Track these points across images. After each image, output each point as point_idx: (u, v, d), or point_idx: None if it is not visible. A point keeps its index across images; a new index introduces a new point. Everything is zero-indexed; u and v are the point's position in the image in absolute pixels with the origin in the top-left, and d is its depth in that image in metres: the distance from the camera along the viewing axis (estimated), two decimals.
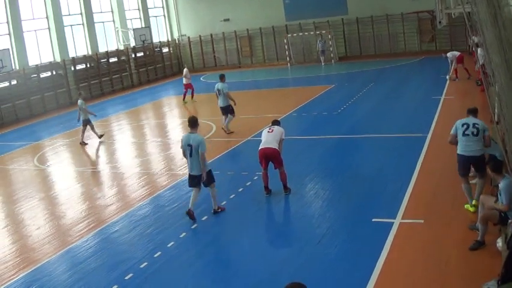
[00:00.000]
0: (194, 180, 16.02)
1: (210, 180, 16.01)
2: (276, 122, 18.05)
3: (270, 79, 46.91)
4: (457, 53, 33.12)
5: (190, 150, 15.62)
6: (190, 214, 15.86)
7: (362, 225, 14.11)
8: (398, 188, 16.14)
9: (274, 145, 16.96)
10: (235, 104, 26.24)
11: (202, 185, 15.98)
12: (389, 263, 11.79)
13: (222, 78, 26.78)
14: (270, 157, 16.95)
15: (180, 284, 12.49)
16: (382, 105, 29.59)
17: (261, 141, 17.37)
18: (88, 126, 29.11)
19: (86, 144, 28.78)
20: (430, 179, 16.79)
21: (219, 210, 16.37)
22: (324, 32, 51.51)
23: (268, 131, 17.30)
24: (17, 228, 17.80)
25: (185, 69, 39.74)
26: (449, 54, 33.41)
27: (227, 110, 26.21)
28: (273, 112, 29.48)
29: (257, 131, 25.21)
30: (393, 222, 13.81)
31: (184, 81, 38.62)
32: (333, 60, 51.10)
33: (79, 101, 29.36)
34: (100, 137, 29.15)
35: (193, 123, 16.02)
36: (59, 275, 13.69)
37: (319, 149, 22.26)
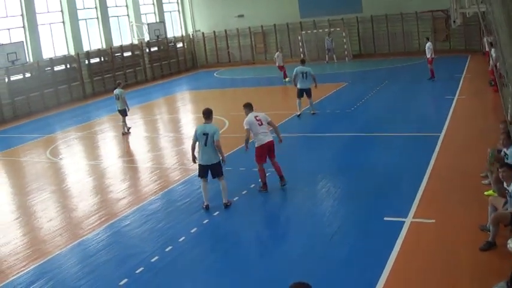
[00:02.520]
0: (204, 170, 16.36)
1: (221, 171, 16.40)
2: (248, 106, 17.90)
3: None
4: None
5: (205, 139, 15.98)
6: (207, 208, 16.38)
7: (373, 224, 14.09)
8: (410, 187, 16.10)
9: (271, 135, 17.61)
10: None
11: (211, 175, 16.39)
12: (400, 262, 11.77)
13: (303, 62, 29.62)
14: (269, 150, 17.40)
15: (190, 278, 12.51)
16: (395, 104, 29.55)
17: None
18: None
19: (129, 133, 29.00)
20: (441, 179, 16.74)
21: (229, 203, 16.55)
22: (338, 29, 51.45)
23: (259, 124, 17.38)
24: (28, 220, 17.87)
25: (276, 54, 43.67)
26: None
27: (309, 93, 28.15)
28: (284, 109, 29.54)
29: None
30: (404, 222, 13.77)
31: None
32: (346, 58, 51.02)
33: (118, 90, 28.99)
34: (126, 132, 28.97)
35: (208, 114, 16.49)
36: (70, 267, 13.73)
37: (332, 147, 22.23)
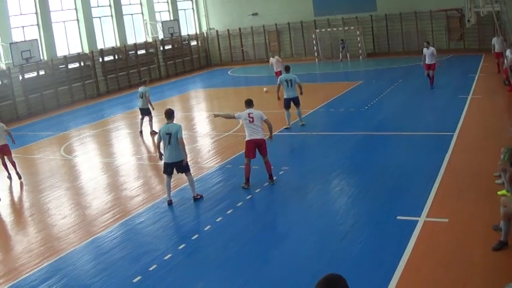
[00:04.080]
0: (169, 167, 17.20)
1: (187, 167, 17.30)
2: (248, 102, 18.61)
3: (297, 74, 46.57)
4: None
5: (169, 138, 16.76)
6: (169, 204, 17.32)
7: (386, 223, 14.07)
8: (424, 187, 16.07)
9: (262, 134, 18.03)
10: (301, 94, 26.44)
11: (176, 171, 17.36)
12: (412, 262, 11.76)
13: (287, 69, 26.95)
14: (259, 147, 17.93)
15: (203, 276, 12.53)
16: (409, 103, 29.51)
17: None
18: (147, 117, 28.64)
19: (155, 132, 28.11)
20: (455, 178, 16.71)
21: (198, 197, 17.40)
22: (352, 28, 51.45)
23: (249, 121, 17.94)
24: (42, 217, 17.97)
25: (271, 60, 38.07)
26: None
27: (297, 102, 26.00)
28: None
29: (284, 125, 25.26)
30: (418, 221, 13.75)
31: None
32: (360, 57, 51.03)
33: (142, 88, 28.73)
34: (154, 132, 28.21)
35: (169, 114, 17.26)
36: (83, 264, 13.81)
37: (346, 145, 22.22)
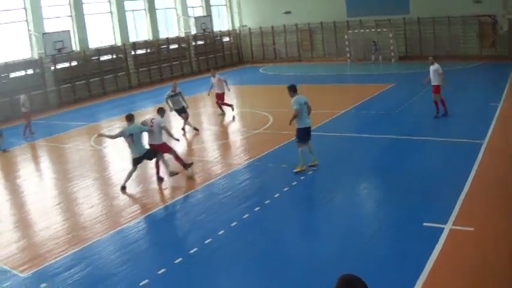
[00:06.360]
0: (138, 160, 19.39)
1: (154, 155, 19.63)
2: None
3: (329, 74, 46.83)
4: None
5: (132, 138, 18.98)
6: (123, 189, 18.98)
7: (412, 228, 13.94)
8: (451, 194, 15.89)
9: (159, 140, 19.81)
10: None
11: (147, 159, 19.74)
12: (436, 269, 11.65)
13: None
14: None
15: (227, 272, 12.62)
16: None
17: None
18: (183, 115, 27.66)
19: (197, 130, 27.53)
20: (483, 187, 16.51)
21: (174, 174, 19.51)
22: (385, 30, 51.20)
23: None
24: (69, 206, 18.19)
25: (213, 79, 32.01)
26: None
27: None
28: (330, 108, 29.43)
29: (314, 125, 25.13)
30: (443, 228, 13.60)
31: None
32: (392, 59, 50.78)
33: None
34: (194, 129, 27.42)
35: (129, 118, 19.58)
36: (108, 254, 13.93)
37: (375, 148, 22.08)
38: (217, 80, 30.97)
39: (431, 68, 26.91)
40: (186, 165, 19.88)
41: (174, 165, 19.89)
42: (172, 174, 19.38)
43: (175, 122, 29.03)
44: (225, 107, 31.02)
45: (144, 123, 19.70)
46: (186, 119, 27.47)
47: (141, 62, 49.15)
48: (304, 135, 18.58)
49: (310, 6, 55.11)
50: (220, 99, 30.72)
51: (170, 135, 20.13)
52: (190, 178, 19.40)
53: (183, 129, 27.63)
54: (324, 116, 26.41)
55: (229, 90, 30.88)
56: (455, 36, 48.97)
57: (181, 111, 27.55)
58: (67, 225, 16.23)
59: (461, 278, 11.36)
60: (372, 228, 14.30)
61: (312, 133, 18.94)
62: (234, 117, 30.30)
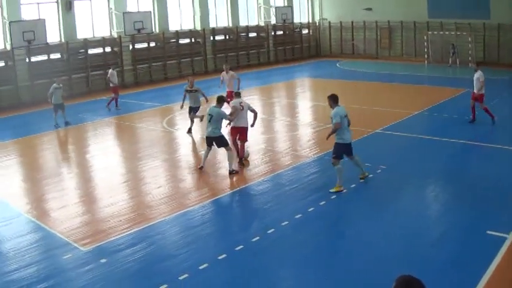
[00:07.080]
0: (208, 141, 19.10)
1: (225, 142, 19.04)
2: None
3: (405, 74, 46.10)
4: None
5: (210, 117, 18.84)
6: (201, 169, 19.17)
7: (476, 235, 13.51)
8: None
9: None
10: None
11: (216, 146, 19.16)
12: (494, 280, 11.25)
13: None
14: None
15: (287, 263, 12.45)
16: None
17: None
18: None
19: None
20: None
21: (234, 172, 18.75)
22: (464, 33, 50.18)
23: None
24: (136, 184, 18.25)
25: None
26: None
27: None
28: (403, 107, 28.96)
29: (386, 124, 24.79)
30: (507, 238, 13.18)
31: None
32: (470, 64, 49.76)
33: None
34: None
35: (218, 100, 19.46)
36: (171, 235, 13.91)
37: (445, 152, 21.55)
38: (230, 76, 28.31)
39: (475, 75, 26.65)
40: (241, 159, 19.80)
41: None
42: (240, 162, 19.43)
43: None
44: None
45: (233, 108, 19.60)
46: (192, 119, 25.29)
47: (218, 48, 49.25)
48: (342, 151, 17.08)
49: (392, 4, 54.31)
50: (229, 98, 25.62)
51: (255, 117, 20.17)
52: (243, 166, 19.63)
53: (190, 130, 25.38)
54: (397, 115, 25.96)
55: (238, 89, 26.34)
56: None
57: (194, 110, 25.37)
58: (132, 204, 16.26)
59: None
60: (436, 231, 13.95)
61: (381, 131, 18.38)
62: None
